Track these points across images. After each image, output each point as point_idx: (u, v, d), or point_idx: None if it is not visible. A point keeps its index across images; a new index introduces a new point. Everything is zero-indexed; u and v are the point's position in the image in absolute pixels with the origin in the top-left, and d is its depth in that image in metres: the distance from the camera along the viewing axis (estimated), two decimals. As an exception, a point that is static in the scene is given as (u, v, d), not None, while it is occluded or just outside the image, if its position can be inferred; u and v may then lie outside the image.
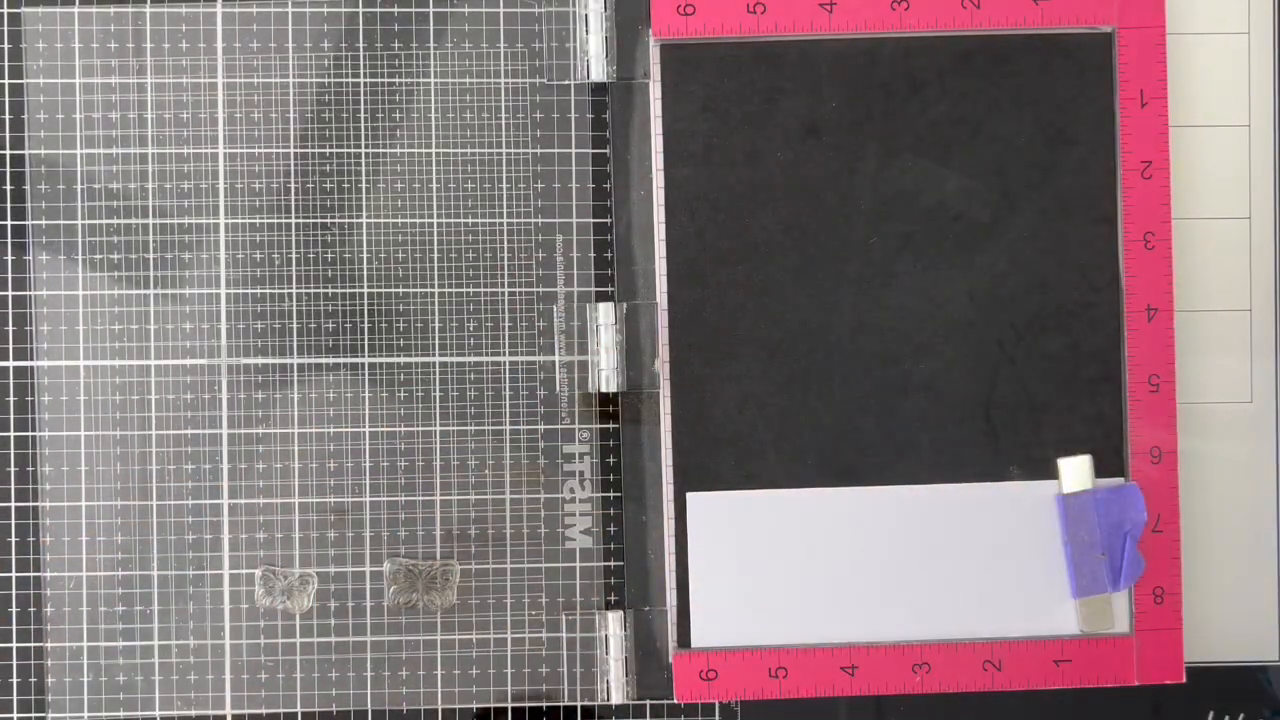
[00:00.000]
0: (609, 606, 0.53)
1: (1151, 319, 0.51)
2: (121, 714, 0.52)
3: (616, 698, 0.52)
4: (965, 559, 0.52)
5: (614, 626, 0.52)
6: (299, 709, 0.52)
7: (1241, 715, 0.53)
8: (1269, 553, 0.53)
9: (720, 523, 0.52)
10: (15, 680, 0.52)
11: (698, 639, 0.52)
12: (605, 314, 0.52)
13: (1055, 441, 0.52)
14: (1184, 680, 0.52)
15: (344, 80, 0.52)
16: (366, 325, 0.52)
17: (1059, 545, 0.52)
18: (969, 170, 0.52)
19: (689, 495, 0.52)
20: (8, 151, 0.52)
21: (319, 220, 0.52)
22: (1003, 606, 0.52)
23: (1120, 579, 0.51)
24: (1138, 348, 0.52)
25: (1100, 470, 0.52)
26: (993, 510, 0.52)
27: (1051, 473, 0.52)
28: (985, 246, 0.52)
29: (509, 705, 0.52)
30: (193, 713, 0.52)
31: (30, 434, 0.52)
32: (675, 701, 0.52)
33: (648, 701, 0.53)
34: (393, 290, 0.52)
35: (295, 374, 0.52)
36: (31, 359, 0.52)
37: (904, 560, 0.52)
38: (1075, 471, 0.51)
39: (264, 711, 0.52)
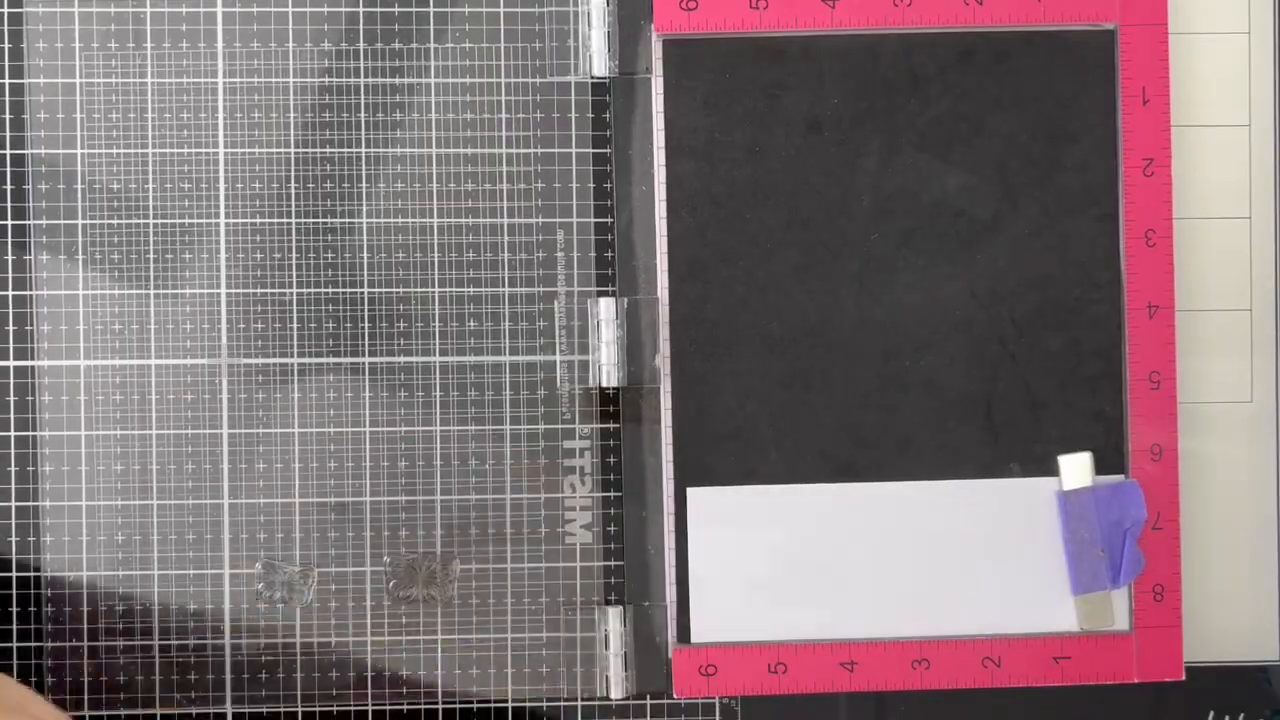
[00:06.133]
0: (609, 602, 0.54)
1: (1152, 316, 0.52)
2: (122, 713, 0.53)
3: (616, 693, 0.53)
4: (965, 556, 0.53)
5: (614, 622, 0.53)
6: (299, 708, 0.53)
7: (1242, 715, 0.54)
8: (1269, 552, 0.54)
9: (720, 518, 0.53)
10: (15, 679, 0.51)
11: (697, 634, 0.53)
12: (606, 309, 0.53)
13: (1055, 438, 0.53)
14: (1184, 678, 0.52)
15: (344, 80, 0.53)
16: (367, 325, 0.53)
17: (1059, 542, 0.52)
18: (970, 167, 0.53)
19: (689, 490, 0.53)
20: (8, 151, 0.53)
21: (319, 221, 0.53)
22: (1002, 603, 0.53)
23: (1120, 576, 0.52)
24: (1138, 345, 0.52)
25: (1100, 467, 0.53)
26: (993, 507, 0.53)
27: (1052, 469, 0.53)
28: (986, 243, 0.53)
29: (509, 704, 0.53)
30: (193, 711, 0.53)
31: (30, 434, 0.53)
32: (675, 697, 0.53)
33: (648, 701, 0.54)
34: (393, 290, 0.53)
35: (295, 374, 0.53)
36: (31, 359, 0.53)
37: (904, 556, 0.53)
38: (1075, 468, 0.52)
39: (264, 710, 0.53)
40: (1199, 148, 0.54)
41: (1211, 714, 0.54)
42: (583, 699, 0.54)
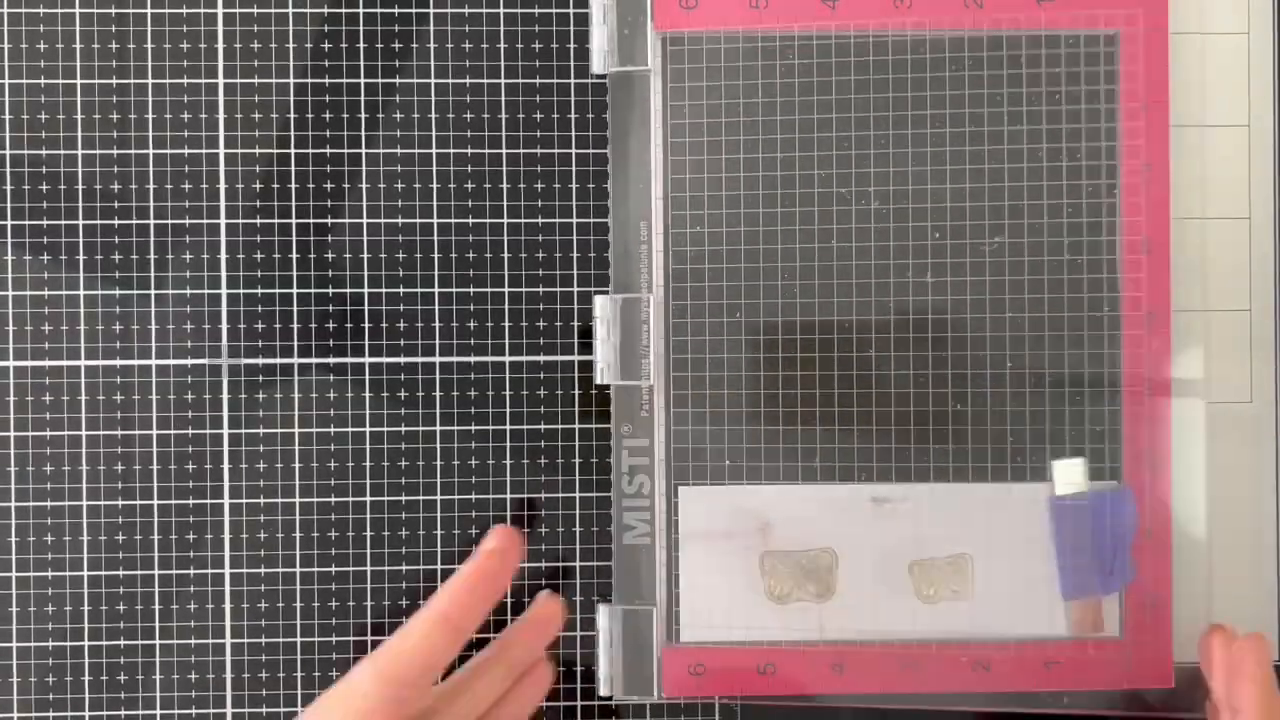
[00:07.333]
0: (599, 601, 0.55)
1: (1149, 323, 0.53)
2: (122, 713, 0.54)
3: (604, 691, 0.54)
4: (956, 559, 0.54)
5: (603, 620, 0.55)
6: (299, 707, 0.54)
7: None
8: (1269, 552, 0.55)
9: (712, 518, 0.54)
10: (15, 680, 0.54)
11: (686, 634, 0.54)
12: (601, 307, 0.54)
13: (1049, 443, 0.54)
14: (1172, 685, 0.53)
15: (343, 80, 0.54)
16: (367, 325, 0.55)
17: (1051, 547, 0.54)
18: (969, 170, 0.54)
19: (681, 489, 0.54)
20: (8, 151, 0.54)
21: (319, 221, 0.55)
22: (993, 608, 0.54)
23: (1111, 582, 0.53)
24: (1134, 351, 0.53)
25: (1094, 473, 0.54)
26: (985, 511, 0.54)
27: (1045, 475, 0.54)
28: (983, 246, 0.54)
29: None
30: (193, 712, 0.54)
31: (30, 434, 0.54)
32: (663, 697, 0.54)
33: (648, 701, 0.55)
34: (393, 290, 0.55)
35: (295, 374, 0.55)
36: (31, 359, 0.54)
37: (895, 559, 0.54)
38: (1069, 474, 0.53)
39: (264, 711, 0.54)
40: (1199, 148, 0.55)
41: (1211, 714, 0.55)
42: (580, 697, 0.55)
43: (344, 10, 0.55)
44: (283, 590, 0.55)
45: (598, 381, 0.54)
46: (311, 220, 0.55)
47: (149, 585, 0.55)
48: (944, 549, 0.54)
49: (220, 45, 0.55)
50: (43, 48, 0.55)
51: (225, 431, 0.55)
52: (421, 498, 0.55)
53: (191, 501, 0.55)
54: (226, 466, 0.55)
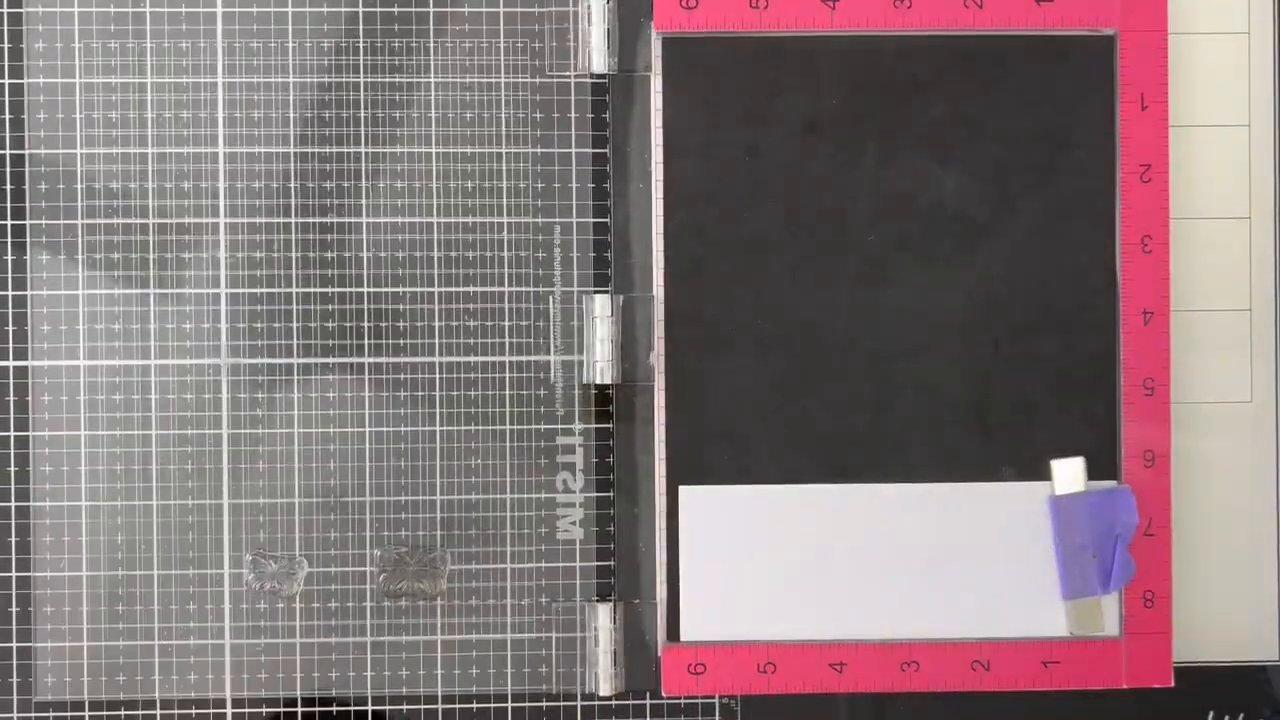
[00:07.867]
0: (599, 599, 0.55)
1: (1148, 322, 0.54)
2: (122, 714, 0.55)
3: (604, 689, 0.55)
4: (956, 558, 0.54)
5: (604, 619, 0.55)
6: (299, 709, 0.55)
7: (1241, 715, 0.56)
8: (1269, 552, 0.56)
9: (712, 517, 0.54)
10: (15, 680, 0.55)
11: (687, 632, 0.55)
12: (601, 305, 0.55)
13: (1048, 443, 0.54)
14: (1172, 684, 0.54)
15: (344, 80, 0.55)
16: (367, 325, 0.55)
17: (1050, 546, 0.54)
18: (968, 170, 0.54)
19: (681, 489, 0.54)
20: (8, 151, 0.54)
21: (319, 220, 0.55)
22: (992, 607, 0.54)
23: (1110, 581, 0.53)
24: (1133, 351, 0.54)
25: (1093, 472, 0.54)
26: (984, 510, 0.54)
27: (1044, 474, 0.54)
28: (983, 246, 0.54)
29: (509, 704, 0.55)
30: (193, 712, 0.55)
31: (30, 434, 0.55)
32: (664, 696, 0.55)
33: (648, 701, 0.55)
34: (393, 290, 0.55)
35: (296, 374, 0.55)
36: (31, 359, 0.55)
37: (894, 558, 0.54)
38: (1068, 473, 0.54)
39: (264, 711, 0.55)
40: (1198, 148, 0.56)
41: (1211, 714, 0.56)
42: (580, 698, 0.56)
43: (343, 10, 0.55)
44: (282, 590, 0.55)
45: (596, 382, 0.55)
46: (313, 220, 0.55)
47: (148, 585, 0.55)
48: (943, 547, 0.55)
49: (220, 44, 0.55)
50: (41, 47, 0.55)
51: (225, 431, 0.55)
52: (422, 498, 0.55)
53: (192, 501, 0.55)
54: (226, 466, 0.55)
